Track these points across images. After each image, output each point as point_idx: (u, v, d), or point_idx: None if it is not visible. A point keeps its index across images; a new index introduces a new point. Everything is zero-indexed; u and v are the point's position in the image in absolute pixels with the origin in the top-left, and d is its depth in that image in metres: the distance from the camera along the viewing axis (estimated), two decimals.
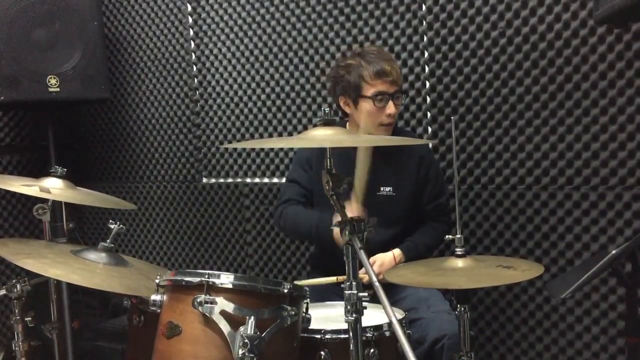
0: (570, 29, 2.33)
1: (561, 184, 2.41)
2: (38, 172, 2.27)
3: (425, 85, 2.65)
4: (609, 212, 2.32)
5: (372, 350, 1.74)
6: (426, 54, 2.63)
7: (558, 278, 2.38)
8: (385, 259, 2.21)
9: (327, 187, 1.45)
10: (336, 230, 2.07)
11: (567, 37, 2.33)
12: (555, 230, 2.42)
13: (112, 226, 1.90)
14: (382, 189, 2.29)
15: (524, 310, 2.52)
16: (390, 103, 2.21)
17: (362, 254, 1.37)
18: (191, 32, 3.26)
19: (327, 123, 1.50)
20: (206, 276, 1.55)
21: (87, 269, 1.78)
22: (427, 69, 2.63)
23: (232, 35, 3.13)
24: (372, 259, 2.15)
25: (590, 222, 2.36)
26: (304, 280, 2.19)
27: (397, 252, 2.23)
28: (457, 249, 1.76)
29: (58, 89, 3.02)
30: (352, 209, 1.99)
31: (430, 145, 2.59)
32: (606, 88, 2.29)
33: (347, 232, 1.41)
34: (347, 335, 1.70)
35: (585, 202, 2.36)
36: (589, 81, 2.32)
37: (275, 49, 3.01)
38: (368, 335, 1.74)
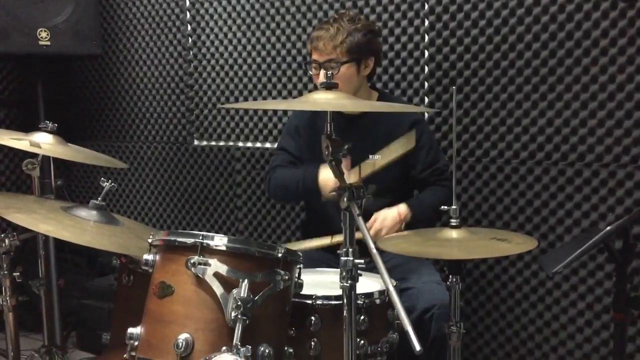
0: (574, 3, 2.30)
1: (555, 160, 2.41)
2: (26, 127, 2.21)
3: (424, 54, 2.61)
4: (602, 190, 2.33)
5: (362, 317, 1.75)
6: (426, 23, 2.59)
7: (550, 252, 2.39)
8: (388, 214, 2.14)
9: (326, 152, 1.43)
10: (322, 179, 2.10)
11: (570, 11, 2.30)
12: (547, 206, 2.43)
13: (104, 184, 1.87)
14: (371, 157, 2.27)
15: (511, 284, 2.54)
16: (322, 72, 2.18)
17: (360, 221, 1.36)
18: None
19: (329, 87, 1.47)
20: (200, 237, 1.53)
21: (78, 226, 1.76)
22: (426, 37, 2.60)
23: None
24: (374, 215, 2.13)
25: (582, 198, 2.37)
26: (296, 244, 2.17)
27: (402, 207, 2.17)
28: (452, 220, 1.75)
29: (48, 43, 2.94)
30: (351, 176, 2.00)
31: (427, 116, 2.57)
32: (607, 64, 2.27)
33: (345, 199, 1.39)
34: (337, 302, 1.72)
35: (579, 178, 2.37)
36: (590, 57, 2.30)
37: (272, 11, 2.95)
38: (359, 302, 1.74)
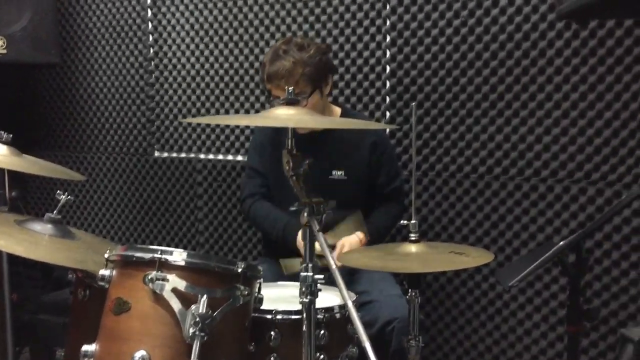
0: (530, 22, 2.36)
1: (512, 175, 2.46)
2: None
3: (385, 69, 2.64)
4: (556, 204, 2.39)
5: (322, 332, 1.75)
6: (388, 38, 2.63)
7: (507, 266, 2.44)
8: (353, 242, 2.17)
9: (287, 168, 1.43)
10: (299, 241, 2.11)
11: (527, 30, 2.37)
12: (504, 220, 2.48)
13: (60, 197, 1.83)
14: (334, 172, 2.30)
15: (469, 296, 2.58)
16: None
17: (321, 237, 1.37)
18: (148, 0, 3.15)
19: (290, 102, 1.48)
20: (158, 252, 1.51)
21: (32, 240, 1.71)
22: (388, 53, 2.63)
23: (191, 6, 3.04)
24: (339, 242, 2.14)
25: (537, 213, 2.43)
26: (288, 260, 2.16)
27: (360, 234, 2.21)
28: (411, 235, 1.77)
29: (5, 51, 2.88)
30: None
31: (387, 131, 2.60)
32: (561, 82, 2.34)
33: (305, 215, 1.39)
34: (297, 316, 1.71)
35: (534, 193, 2.42)
36: (545, 75, 2.36)
37: (235, 23, 2.95)
38: (319, 316, 1.74)
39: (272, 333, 1.73)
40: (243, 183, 2.46)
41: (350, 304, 1.23)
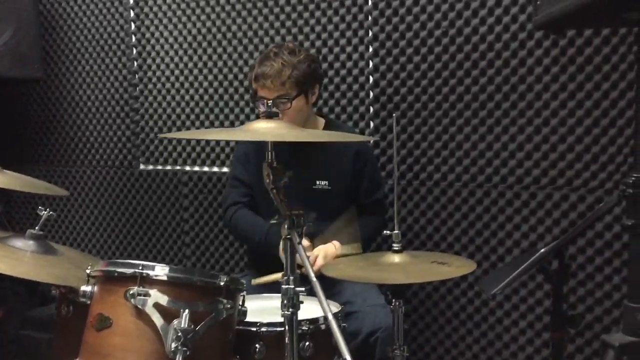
0: (509, 32, 2.39)
1: (495, 183, 2.48)
2: None
3: (368, 80, 2.66)
4: (539, 211, 2.41)
5: (307, 344, 1.75)
6: (370, 49, 2.64)
7: (490, 274, 2.45)
8: (328, 250, 2.19)
9: (267, 181, 1.44)
10: (282, 248, 2.12)
11: (507, 40, 2.40)
12: (489, 227, 2.50)
13: (41, 213, 1.83)
14: (318, 182, 2.31)
15: (455, 304, 2.58)
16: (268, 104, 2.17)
17: (301, 249, 1.37)
18: (132, 14, 3.16)
19: (270, 116, 1.49)
20: (140, 267, 1.51)
21: (14, 257, 1.71)
22: (371, 63, 2.65)
23: (174, 20, 3.05)
24: (314, 250, 2.16)
25: (521, 220, 2.44)
26: (262, 278, 2.15)
27: (337, 243, 2.24)
28: (395, 245, 1.78)
29: None
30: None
31: (371, 142, 2.62)
32: (541, 91, 2.36)
33: (286, 227, 1.40)
34: (282, 329, 1.71)
35: (517, 200, 2.44)
36: (525, 83, 2.39)
37: (219, 36, 2.96)
38: (304, 328, 1.75)
39: (257, 345, 1.73)
40: (226, 193, 2.45)
41: (330, 316, 1.24)
